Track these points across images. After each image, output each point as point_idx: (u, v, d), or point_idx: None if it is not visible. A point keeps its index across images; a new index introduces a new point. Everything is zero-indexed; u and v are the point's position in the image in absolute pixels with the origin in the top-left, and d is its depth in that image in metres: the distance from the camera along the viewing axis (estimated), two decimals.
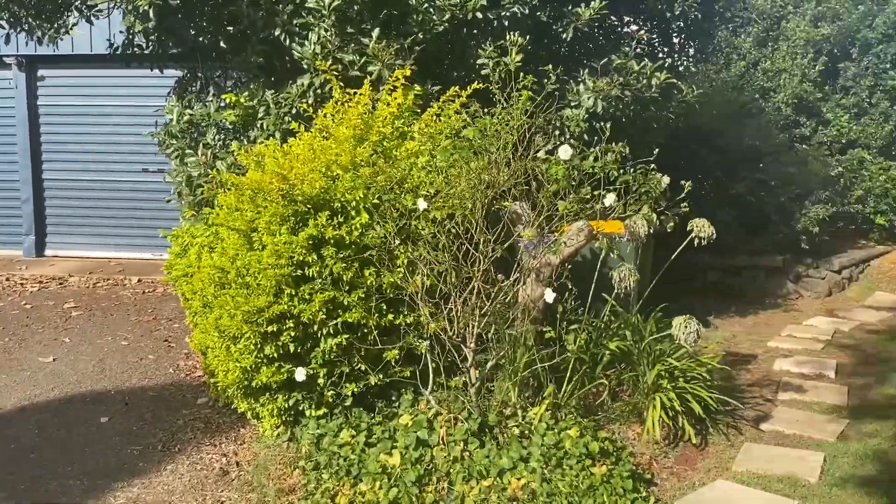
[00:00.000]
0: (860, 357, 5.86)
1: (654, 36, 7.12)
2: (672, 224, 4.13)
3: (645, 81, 5.41)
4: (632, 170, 3.76)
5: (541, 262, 4.41)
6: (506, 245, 3.75)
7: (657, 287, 6.18)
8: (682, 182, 4.00)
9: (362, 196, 3.82)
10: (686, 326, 3.73)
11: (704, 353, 5.14)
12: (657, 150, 6.39)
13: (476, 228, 3.64)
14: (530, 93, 4.01)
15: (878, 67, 8.71)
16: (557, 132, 5.50)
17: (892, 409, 4.68)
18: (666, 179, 3.85)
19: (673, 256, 4.92)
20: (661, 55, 7.09)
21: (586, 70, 5.42)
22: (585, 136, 5.47)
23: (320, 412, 3.98)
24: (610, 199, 3.50)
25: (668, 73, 5.40)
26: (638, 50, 6.16)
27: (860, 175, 8.96)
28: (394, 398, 4.15)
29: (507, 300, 4.08)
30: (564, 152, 3.46)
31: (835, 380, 5.27)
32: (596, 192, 3.76)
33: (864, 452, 3.96)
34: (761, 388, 5.15)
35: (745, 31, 9.39)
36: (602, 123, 4.29)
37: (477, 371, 3.86)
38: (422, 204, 3.39)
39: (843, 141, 8.99)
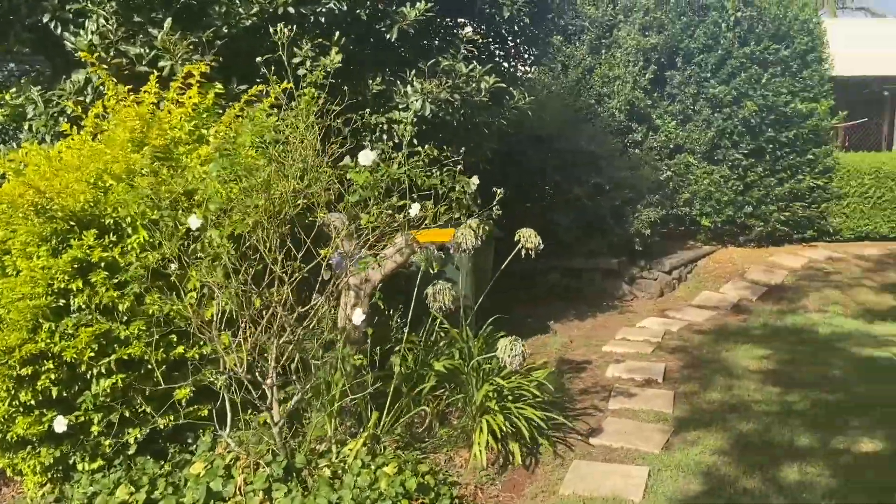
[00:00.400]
0: (687, 360, 6.00)
1: (491, 40, 7.00)
2: (486, 231, 3.88)
3: (474, 85, 5.21)
4: (438, 172, 3.46)
5: (360, 279, 4.05)
6: (310, 265, 3.33)
7: (500, 291, 6.02)
8: (495, 190, 3.76)
9: (139, 211, 3.26)
10: (511, 349, 3.50)
11: (542, 362, 5.03)
12: (490, 155, 6.37)
13: (271, 246, 3.20)
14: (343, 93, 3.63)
15: (700, 76, 9.16)
16: (385, 136, 5.20)
17: (714, 414, 4.76)
18: (475, 181, 3.60)
19: (504, 265, 4.74)
20: (498, 60, 6.98)
21: (413, 72, 5.12)
22: (416, 141, 5.19)
23: (95, 465, 3.37)
24: (415, 209, 3.18)
25: (498, 78, 5.23)
26: (469, 53, 5.97)
27: (687, 179, 9.40)
28: (190, 441, 3.62)
29: (323, 323, 3.67)
30: (365, 157, 3.11)
31: (663, 385, 5.33)
32: (420, 202, 3.47)
33: (686, 464, 3.93)
34: (593, 397, 5.10)
35: (579, 38, 9.57)
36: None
37: (281, 407, 3.42)
38: (194, 222, 2.90)
39: (672, 146, 9.39)
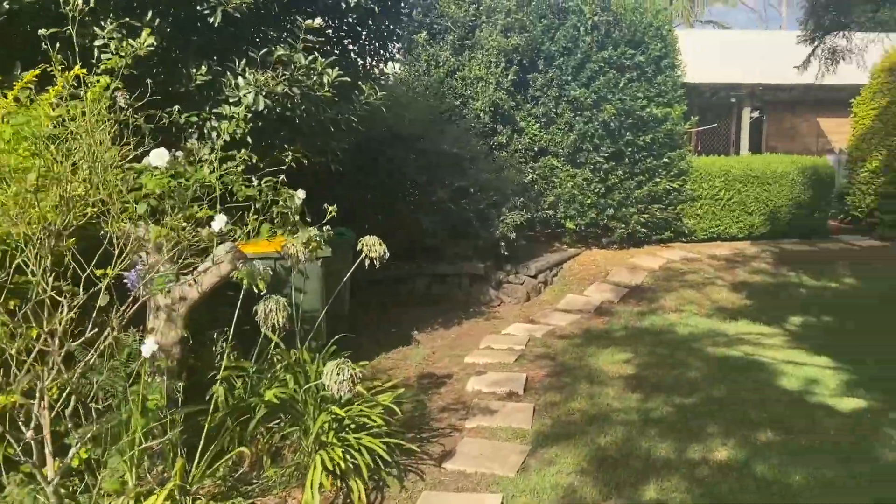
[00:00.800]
0: (550, 368, 5.82)
1: (344, 34, 6.55)
2: (314, 246, 3.43)
3: (316, 78, 4.73)
4: (257, 182, 2.97)
5: (173, 297, 3.47)
6: (102, 285, 2.73)
7: (367, 298, 5.55)
8: (326, 206, 3.32)
9: None
10: (338, 373, 3.06)
11: (389, 385, 4.62)
12: (341, 154, 5.90)
13: (42, 264, 2.58)
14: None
15: (561, 79, 9.15)
16: (216, 134, 4.61)
17: (574, 426, 4.55)
18: (301, 194, 3.15)
19: (347, 276, 4.30)
20: (353, 56, 6.54)
21: (244, 61, 4.57)
22: (249, 140, 4.65)
23: None
24: (219, 222, 2.67)
25: (342, 71, 4.78)
26: (313, 44, 5.49)
27: (552, 181, 9.37)
28: None
29: (124, 353, 3.07)
30: (158, 157, 2.57)
31: (524, 397, 5.09)
32: (236, 213, 2.96)
33: (542, 488, 3.65)
34: (452, 415, 4.76)
35: (443, 38, 9.32)
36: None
37: (57, 461, 2.79)
38: None
39: (536, 149, 9.34)
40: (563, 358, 6.10)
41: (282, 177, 3.14)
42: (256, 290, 3.15)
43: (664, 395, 5.12)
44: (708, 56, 15.44)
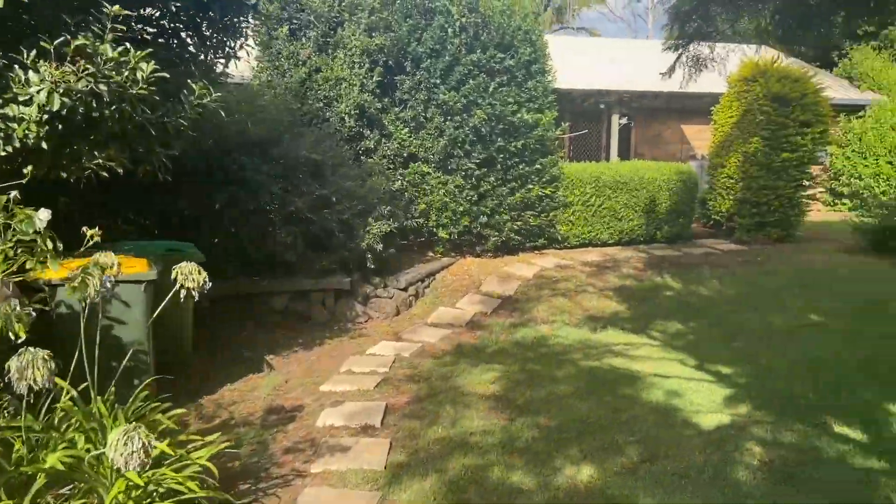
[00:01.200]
0: (414, 391, 5.40)
1: (182, 26, 5.85)
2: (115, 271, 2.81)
3: (128, 73, 4.05)
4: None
5: None
6: None
7: (214, 323, 4.95)
8: (83, 230, 2.71)
9: None
10: (126, 444, 2.45)
11: (243, 412, 4.03)
12: (169, 163, 5.21)
13: None
14: None
15: (429, 82, 8.79)
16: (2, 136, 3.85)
17: (433, 461, 4.14)
18: (43, 215, 2.53)
19: (164, 303, 3.67)
20: (193, 50, 5.87)
21: (35, 52, 3.83)
22: (44, 145, 3.91)
23: None
24: None
25: (157, 66, 4.12)
26: (135, 35, 4.80)
27: (423, 189, 8.99)
28: None
29: None
30: None
31: (380, 430, 4.62)
32: None
33: None
34: (297, 458, 4.22)
35: (305, 34, 8.71)
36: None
37: None
38: None
39: (406, 154, 8.92)
40: (429, 379, 5.70)
41: (13, 193, 2.49)
42: (13, 337, 2.49)
43: (531, 416, 4.83)
44: (579, 63, 15.72)
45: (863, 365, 5.87)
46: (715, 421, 4.75)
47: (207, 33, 6.05)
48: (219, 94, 4.92)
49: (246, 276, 7.34)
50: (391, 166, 8.79)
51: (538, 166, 9.51)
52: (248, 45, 6.56)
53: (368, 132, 8.73)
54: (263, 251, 7.18)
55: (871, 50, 18.54)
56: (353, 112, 8.52)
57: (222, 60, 6.13)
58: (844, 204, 16.06)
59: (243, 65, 9.31)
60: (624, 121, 14.52)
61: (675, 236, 11.12)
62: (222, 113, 5.17)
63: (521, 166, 9.32)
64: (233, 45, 6.09)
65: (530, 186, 9.48)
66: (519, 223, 9.52)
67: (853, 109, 16.42)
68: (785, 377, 5.59)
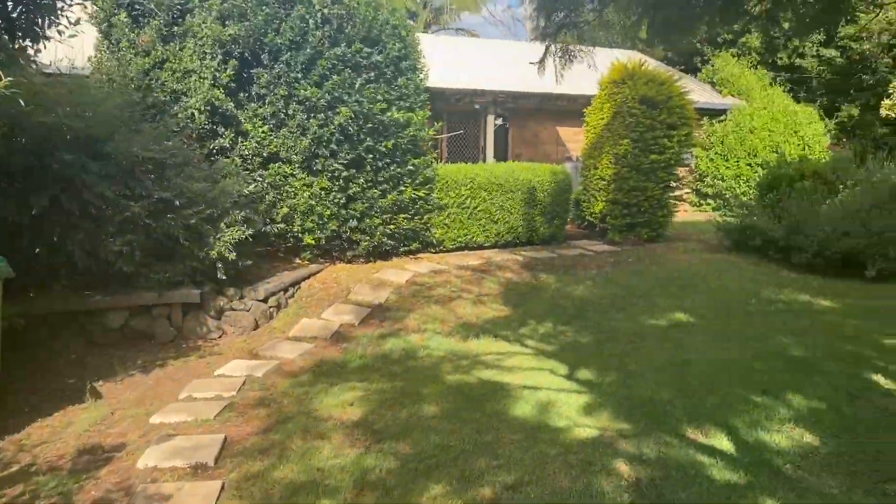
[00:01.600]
0: (263, 419, 4.81)
1: None
2: None
3: None
4: None
5: None
6: None
7: (36, 343, 4.15)
8: None
9: None
10: None
11: (51, 454, 3.29)
12: None
13: None
14: None
15: (290, 76, 8.16)
16: None
17: None
18: None
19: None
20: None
21: None
22: None
23: None
24: None
25: None
26: None
27: (285, 191, 8.34)
28: None
29: None
30: None
31: (213, 470, 4.01)
32: None
33: None
34: None
35: (148, 22, 7.84)
36: None
37: None
38: None
39: (265, 154, 8.24)
40: (282, 403, 5.12)
41: None
42: None
43: (390, 442, 4.38)
44: (454, 61, 15.51)
45: (728, 367, 5.85)
46: (583, 436, 4.50)
47: (14, 14, 5.20)
48: (10, 78, 4.14)
49: (77, 292, 6.45)
50: (249, 167, 8.09)
51: (411, 167, 9.10)
52: (80, 30, 5.75)
53: (223, 130, 7.99)
54: (96, 262, 6.32)
55: (730, 56, 19.58)
56: (204, 108, 7.75)
57: (40, 44, 5.30)
58: (709, 204, 16.81)
59: (82, 56, 8.31)
60: (500, 121, 14.41)
61: (551, 238, 11.07)
62: (21, 102, 4.38)
63: (392, 167, 8.88)
64: (42, 27, 5.27)
65: (403, 188, 9.06)
66: (391, 227, 9.07)
67: (716, 113, 17.22)
68: (653, 383, 5.45)
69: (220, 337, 6.96)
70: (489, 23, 60.68)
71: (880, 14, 15.85)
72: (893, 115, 15.14)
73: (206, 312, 6.97)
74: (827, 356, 6.18)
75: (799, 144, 16.74)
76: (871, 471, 3.99)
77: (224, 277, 6.85)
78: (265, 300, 7.35)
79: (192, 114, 7.71)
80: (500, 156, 14.86)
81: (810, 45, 20.46)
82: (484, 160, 14.17)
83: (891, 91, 15.32)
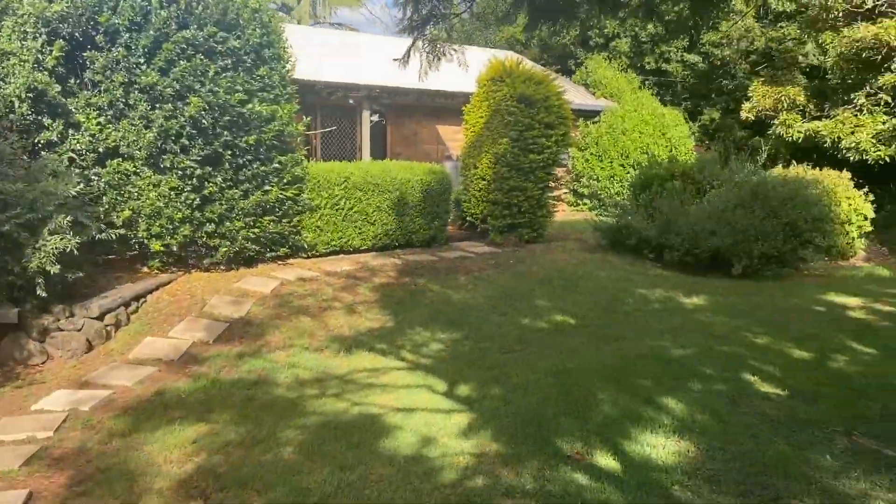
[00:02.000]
0: (79, 469, 3.97)
1: None
2: None
3: None
4: None
5: None
6: None
7: None
8: None
9: None
10: None
11: None
12: None
13: None
14: None
15: (130, 61, 7.16)
16: None
17: None
18: None
19: None
20: None
21: None
22: None
23: None
24: None
25: None
26: None
27: (127, 192, 7.33)
28: None
29: None
30: None
31: None
32: None
33: None
34: None
35: None
36: None
37: None
38: None
39: (102, 149, 7.19)
40: (108, 446, 4.29)
41: None
42: None
43: (235, 490, 3.70)
44: (329, 55, 14.76)
45: (611, 373, 5.59)
46: (462, 464, 4.02)
47: None
48: None
49: None
50: (83, 164, 7.03)
51: (277, 165, 8.32)
52: None
53: (50, 121, 6.89)
54: None
55: (602, 60, 20.02)
56: (25, 96, 6.63)
57: None
58: (585, 204, 17.04)
59: None
60: (375, 118, 13.83)
61: (431, 240, 10.61)
62: None
63: (255, 165, 8.06)
64: None
65: (268, 188, 8.26)
66: (256, 230, 8.25)
67: (590, 114, 17.48)
68: (536, 397, 5.07)
69: (44, 362, 5.94)
70: (369, 21, 59.90)
71: (739, 21, 16.66)
72: (752, 118, 15.93)
73: (27, 334, 5.93)
74: (703, 357, 6.09)
75: (667, 146, 17.32)
76: (760, 487, 3.78)
77: (44, 294, 5.83)
78: (100, 317, 6.37)
79: (12, 102, 6.58)
80: (379, 154, 14.28)
81: (675, 50, 21.32)
82: (360, 158, 13.52)
83: (750, 94, 16.11)
